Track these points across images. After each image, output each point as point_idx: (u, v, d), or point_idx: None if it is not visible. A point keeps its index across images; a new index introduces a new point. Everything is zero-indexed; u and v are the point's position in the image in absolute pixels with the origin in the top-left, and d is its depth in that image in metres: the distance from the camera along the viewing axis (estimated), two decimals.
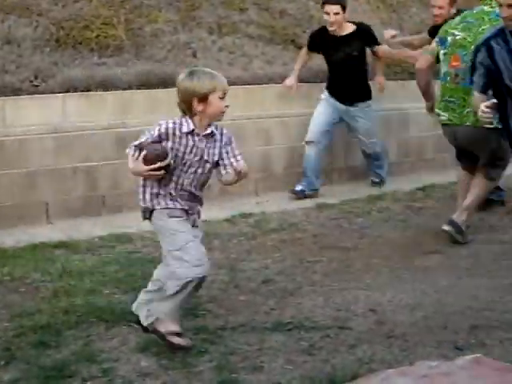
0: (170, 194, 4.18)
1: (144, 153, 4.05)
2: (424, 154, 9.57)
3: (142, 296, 4.43)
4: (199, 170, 4.21)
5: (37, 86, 7.22)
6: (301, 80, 8.34)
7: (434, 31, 7.33)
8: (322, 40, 8.12)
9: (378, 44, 8.15)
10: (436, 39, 6.65)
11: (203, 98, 4.09)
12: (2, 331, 4.46)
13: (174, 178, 4.17)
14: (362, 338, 4.35)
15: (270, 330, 4.48)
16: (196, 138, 4.16)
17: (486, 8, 6.35)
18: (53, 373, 3.92)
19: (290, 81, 8.19)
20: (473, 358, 4.05)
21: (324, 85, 8.29)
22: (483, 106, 5.28)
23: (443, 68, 6.49)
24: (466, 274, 5.50)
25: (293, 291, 5.19)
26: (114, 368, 4.00)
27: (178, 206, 4.19)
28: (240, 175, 4.19)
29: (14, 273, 5.46)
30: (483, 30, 6.15)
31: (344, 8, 7.89)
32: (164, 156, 4.05)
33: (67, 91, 7.23)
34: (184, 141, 4.14)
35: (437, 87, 6.73)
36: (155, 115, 7.49)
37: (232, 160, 4.23)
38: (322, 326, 4.51)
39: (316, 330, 4.48)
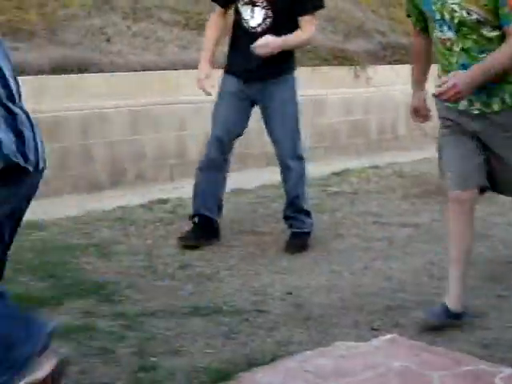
0: None
1: None
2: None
3: None
4: None
5: None
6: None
7: None
8: None
9: None
10: None
11: None
12: None
13: None
14: (280, 320, 4.39)
15: (189, 314, 4.48)
16: None
17: None
18: None
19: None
20: (388, 338, 4.17)
21: None
22: None
23: None
24: (381, 256, 5.61)
25: (210, 276, 5.21)
26: None
27: None
28: None
29: None
30: None
31: None
32: None
33: None
34: None
35: None
36: (70, 101, 7.47)
37: None
38: (240, 310, 4.54)
39: (234, 314, 4.51)
